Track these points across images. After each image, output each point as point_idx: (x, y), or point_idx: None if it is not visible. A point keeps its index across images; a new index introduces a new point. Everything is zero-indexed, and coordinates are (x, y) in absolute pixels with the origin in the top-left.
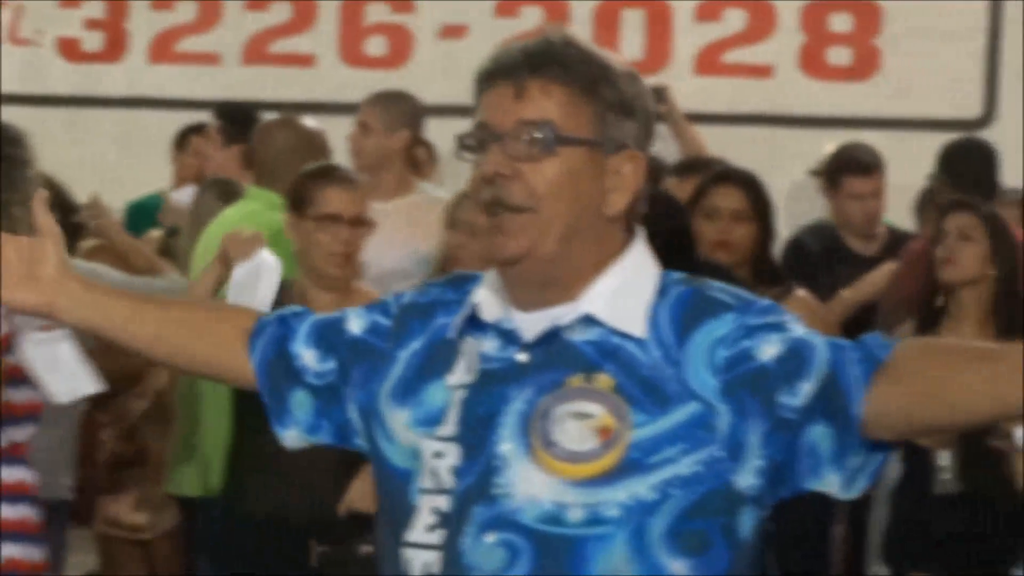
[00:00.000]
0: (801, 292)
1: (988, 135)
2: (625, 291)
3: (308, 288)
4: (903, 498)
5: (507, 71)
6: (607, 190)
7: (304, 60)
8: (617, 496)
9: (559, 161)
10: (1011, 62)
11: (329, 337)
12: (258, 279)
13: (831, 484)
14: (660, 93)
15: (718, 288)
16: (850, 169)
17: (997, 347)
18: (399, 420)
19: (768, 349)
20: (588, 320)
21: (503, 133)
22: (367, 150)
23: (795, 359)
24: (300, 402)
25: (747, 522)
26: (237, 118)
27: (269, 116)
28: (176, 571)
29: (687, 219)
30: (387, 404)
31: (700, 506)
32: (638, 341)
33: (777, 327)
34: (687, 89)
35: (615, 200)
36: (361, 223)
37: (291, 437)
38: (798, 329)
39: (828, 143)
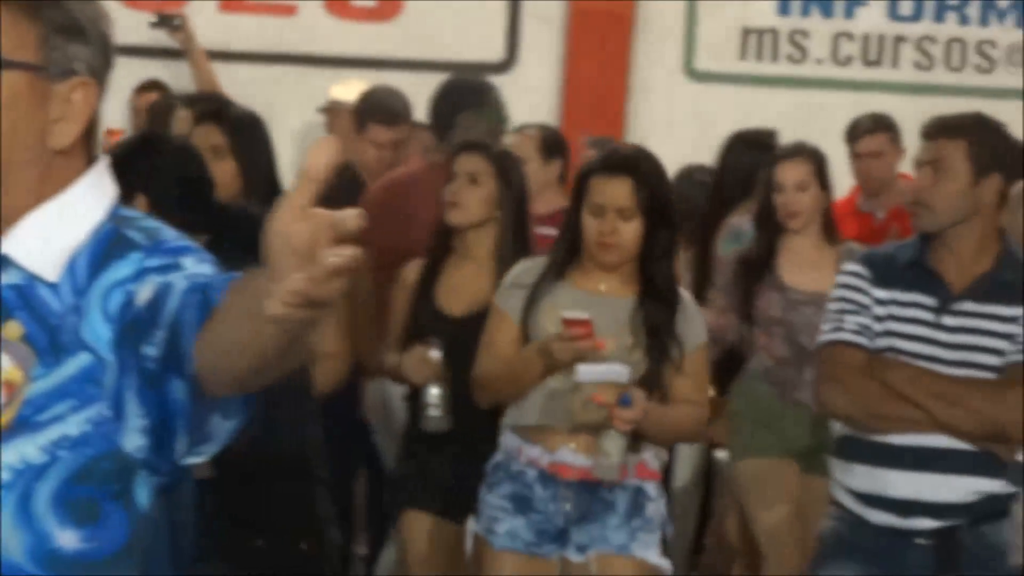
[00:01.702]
0: None
1: (511, 78)
2: (51, 230)
3: None
4: (406, 434)
5: None
6: (53, 120)
7: None
8: (7, 458)
9: None
10: (532, 8)
11: None
12: None
13: (182, 445)
14: (174, 20)
15: (142, 226)
16: (374, 117)
17: None
18: None
19: (144, 293)
20: (8, 261)
21: None
22: None
23: (158, 303)
24: None
25: (144, 489)
26: None
27: None
28: None
29: (202, 165)
30: None
31: (88, 470)
32: (52, 285)
33: (167, 268)
34: (211, 27)
35: (63, 131)
36: None
37: None
38: (186, 269)
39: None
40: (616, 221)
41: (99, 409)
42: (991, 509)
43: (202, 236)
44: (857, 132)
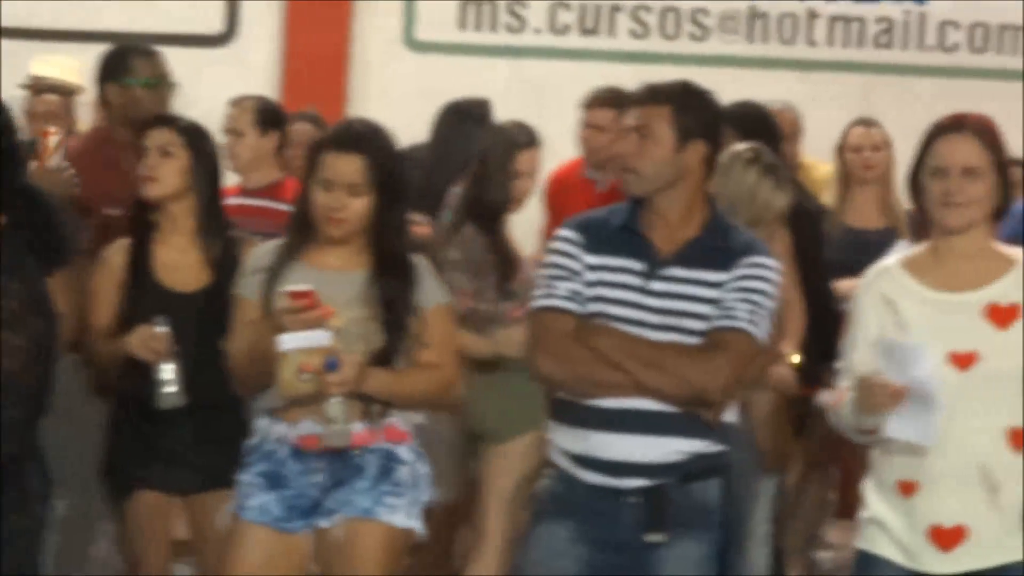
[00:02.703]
0: None
1: (230, 51)
2: None
3: None
4: (125, 414)
5: None
6: None
7: None
8: None
9: None
10: None
11: None
12: None
13: None
14: None
15: None
16: None
17: None
18: None
19: None
20: None
21: None
22: None
23: None
24: None
25: None
26: None
27: None
28: None
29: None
30: None
31: None
32: None
33: None
34: None
35: None
36: None
37: None
38: None
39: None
40: (345, 196)
41: None
42: (699, 468)
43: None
44: (587, 103)
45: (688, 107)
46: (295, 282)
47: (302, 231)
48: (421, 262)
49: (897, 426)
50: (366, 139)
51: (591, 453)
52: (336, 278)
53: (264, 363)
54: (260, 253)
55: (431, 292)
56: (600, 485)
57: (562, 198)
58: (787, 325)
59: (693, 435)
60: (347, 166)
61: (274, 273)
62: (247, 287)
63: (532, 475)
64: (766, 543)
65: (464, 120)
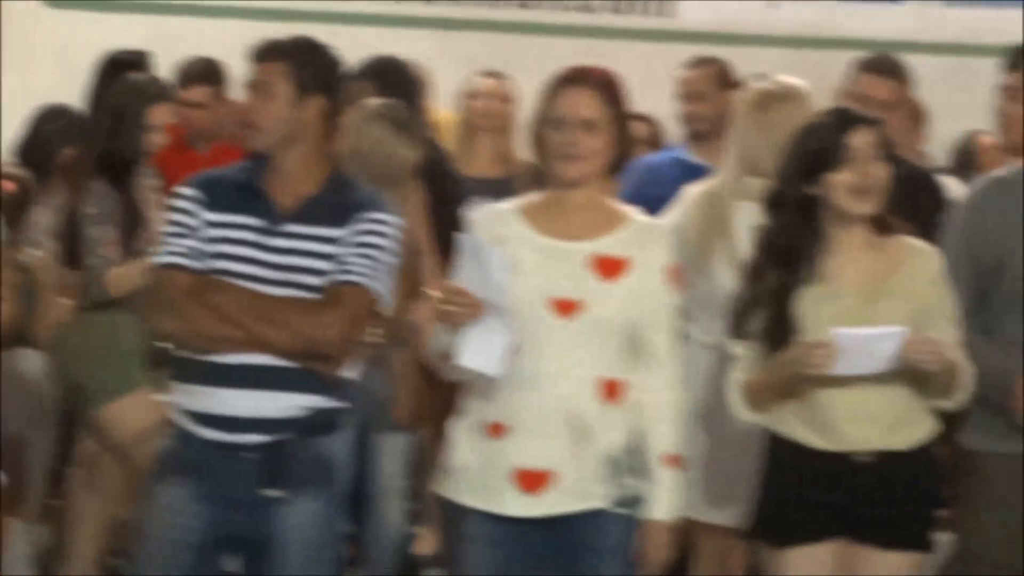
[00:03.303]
0: None
1: None
2: None
3: None
4: None
5: None
6: None
7: None
8: None
9: None
10: None
11: None
12: None
13: None
14: None
15: None
16: None
17: None
18: None
19: None
20: None
21: None
22: None
23: None
24: None
25: None
26: None
27: None
28: None
29: None
30: None
31: None
32: None
33: None
34: None
35: None
36: None
37: None
38: None
39: None
40: None
41: None
42: (319, 423)
43: None
44: (180, 80)
45: (305, 62)
46: None
47: None
48: None
49: (468, 354)
50: None
51: (209, 409)
52: None
53: None
54: None
55: None
56: (218, 441)
57: (163, 163)
58: (422, 280)
59: (311, 390)
60: None
61: None
62: None
63: (147, 434)
64: (400, 498)
65: (124, 72)
